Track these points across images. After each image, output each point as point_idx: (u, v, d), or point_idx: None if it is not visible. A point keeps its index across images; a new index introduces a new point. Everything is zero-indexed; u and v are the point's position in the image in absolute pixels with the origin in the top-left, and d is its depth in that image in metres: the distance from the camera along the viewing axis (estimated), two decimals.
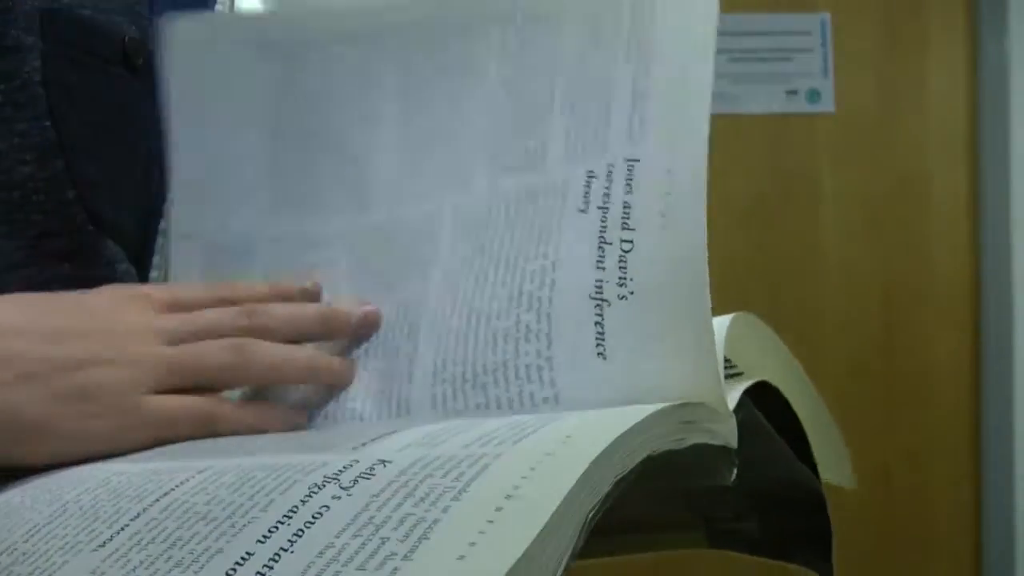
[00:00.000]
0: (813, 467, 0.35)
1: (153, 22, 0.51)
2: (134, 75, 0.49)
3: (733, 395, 0.31)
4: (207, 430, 0.36)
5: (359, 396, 0.39)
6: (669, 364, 0.32)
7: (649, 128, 0.36)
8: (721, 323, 0.33)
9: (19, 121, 0.43)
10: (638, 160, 0.35)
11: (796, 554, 0.37)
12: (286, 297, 0.41)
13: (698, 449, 0.28)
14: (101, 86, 0.47)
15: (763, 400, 0.34)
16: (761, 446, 0.35)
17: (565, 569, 0.21)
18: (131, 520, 0.27)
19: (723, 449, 0.29)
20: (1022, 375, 1.96)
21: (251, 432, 0.36)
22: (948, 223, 1.99)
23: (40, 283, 0.44)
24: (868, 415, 1.95)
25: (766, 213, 1.97)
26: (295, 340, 0.39)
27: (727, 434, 0.29)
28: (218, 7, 0.54)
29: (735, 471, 0.30)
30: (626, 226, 0.35)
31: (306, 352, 0.39)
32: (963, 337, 1.98)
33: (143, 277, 0.51)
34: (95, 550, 0.26)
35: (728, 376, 0.33)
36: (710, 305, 0.32)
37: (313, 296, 0.42)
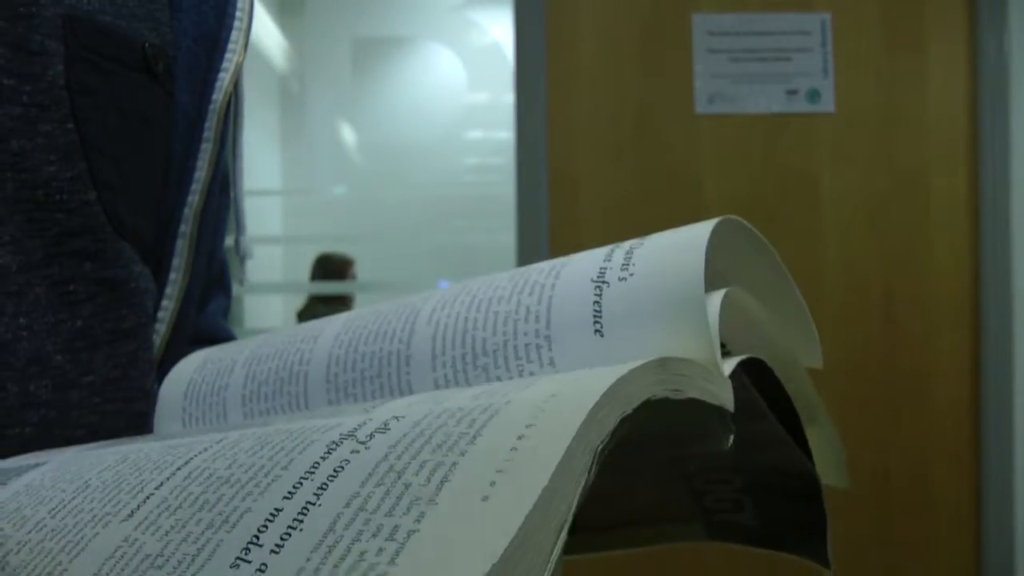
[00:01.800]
0: (807, 451, 0.36)
1: (172, 29, 0.52)
2: (154, 81, 0.49)
3: (728, 364, 0.31)
4: None
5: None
6: (663, 336, 0.32)
7: None
8: (715, 299, 0.33)
9: (44, 122, 0.44)
10: None
11: (793, 544, 0.38)
12: None
13: (695, 413, 0.29)
14: (122, 91, 0.48)
15: (758, 382, 0.34)
16: (762, 428, 0.35)
17: (580, 503, 0.22)
18: (156, 489, 0.27)
19: (720, 413, 0.29)
20: (1022, 375, 1.96)
21: None
22: (948, 223, 1.99)
23: (61, 281, 0.44)
24: (868, 415, 1.96)
25: (766, 213, 1.98)
26: None
27: (723, 396, 0.29)
28: (238, 14, 0.54)
29: (732, 437, 0.30)
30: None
31: None
32: (963, 337, 1.98)
33: (160, 280, 0.51)
34: (124, 520, 0.27)
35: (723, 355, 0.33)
36: (703, 283, 0.32)
37: None
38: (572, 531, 0.21)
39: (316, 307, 3.62)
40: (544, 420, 0.23)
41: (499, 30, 4.00)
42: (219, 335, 0.57)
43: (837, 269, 1.98)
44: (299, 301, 3.78)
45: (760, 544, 0.39)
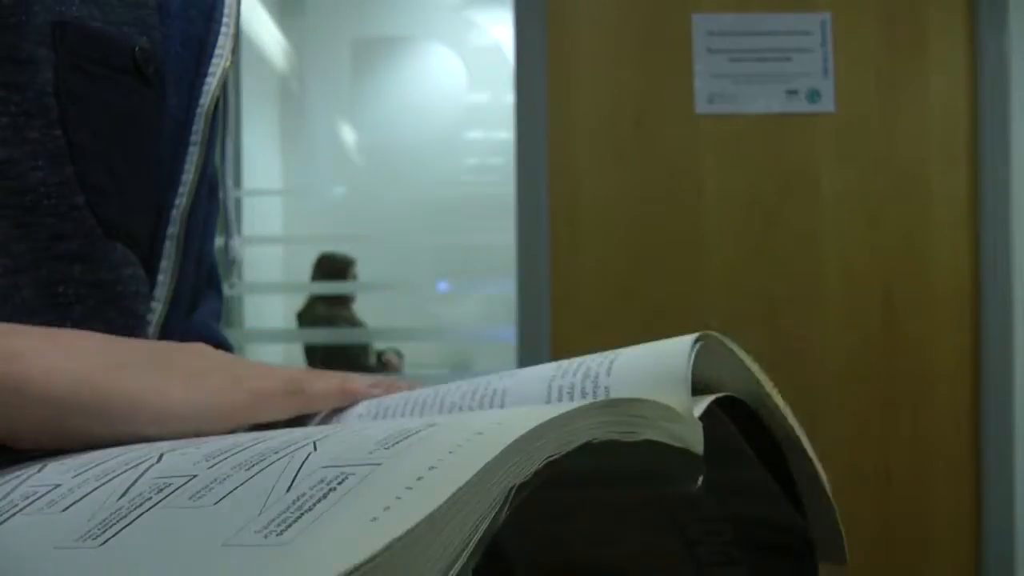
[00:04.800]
0: (800, 504, 0.35)
1: (161, 33, 0.52)
2: (144, 84, 0.50)
3: (700, 404, 0.31)
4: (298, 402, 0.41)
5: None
6: (634, 375, 0.32)
7: None
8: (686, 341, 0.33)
9: (31, 129, 0.44)
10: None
11: None
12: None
13: (662, 453, 0.28)
14: (111, 95, 0.48)
15: (746, 428, 0.34)
16: (745, 473, 0.34)
17: (486, 538, 0.21)
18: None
19: (686, 455, 0.29)
20: (1022, 375, 1.96)
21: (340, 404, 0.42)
22: (948, 223, 1.99)
23: (49, 284, 0.44)
24: (868, 415, 1.95)
25: (766, 213, 1.97)
26: None
27: (690, 438, 0.29)
28: (225, 19, 0.54)
29: (700, 479, 0.29)
30: None
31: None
32: (963, 337, 1.98)
33: (152, 281, 0.52)
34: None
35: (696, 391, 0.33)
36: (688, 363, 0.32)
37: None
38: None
39: (316, 307, 3.62)
40: (460, 453, 0.23)
41: (499, 30, 4.00)
42: (210, 338, 0.57)
43: (837, 269, 1.97)
44: (299, 301, 3.78)
45: None
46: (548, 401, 0.35)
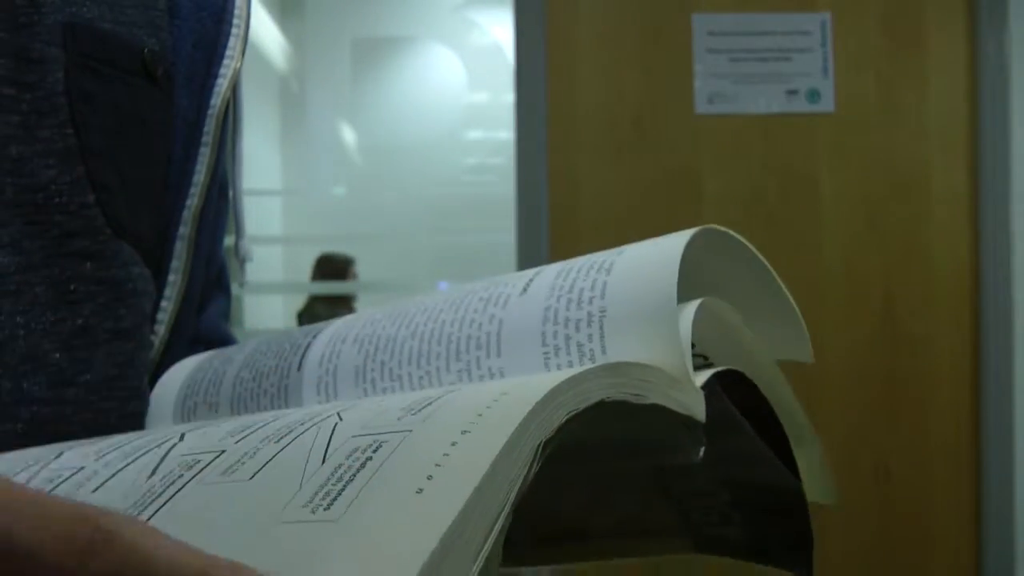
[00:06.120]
0: (793, 465, 0.36)
1: (172, 35, 0.52)
2: (153, 86, 0.50)
3: (702, 376, 0.31)
4: None
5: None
6: (634, 347, 0.32)
7: None
8: (688, 310, 0.33)
9: (43, 128, 0.45)
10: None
11: (778, 558, 0.38)
12: None
13: (664, 423, 0.28)
14: (121, 96, 0.48)
15: (743, 398, 0.34)
16: (740, 442, 0.35)
17: (520, 494, 0.22)
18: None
19: (688, 423, 0.29)
20: (1022, 375, 1.96)
21: None
22: (948, 223, 1.99)
23: (62, 281, 0.45)
24: (868, 415, 1.96)
25: (766, 213, 1.98)
26: None
27: (692, 406, 0.29)
28: (235, 21, 0.55)
29: (702, 449, 0.30)
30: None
31: None
32: (963, 337, 1.98)
33: (160, 282, 0.52)
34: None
35: (699, 367, 0.33)
36: (675, 294, 0.32)
37: None
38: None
39: (316, 307, 3.63)
40: (489, 415, 0.23)
41: (499, 30, 4.00)
42: (218, 337, 0.57)
43: (837, 269, 1.98)
44: (299, 301, 3.78)
45: (746, 557, 0.39)
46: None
